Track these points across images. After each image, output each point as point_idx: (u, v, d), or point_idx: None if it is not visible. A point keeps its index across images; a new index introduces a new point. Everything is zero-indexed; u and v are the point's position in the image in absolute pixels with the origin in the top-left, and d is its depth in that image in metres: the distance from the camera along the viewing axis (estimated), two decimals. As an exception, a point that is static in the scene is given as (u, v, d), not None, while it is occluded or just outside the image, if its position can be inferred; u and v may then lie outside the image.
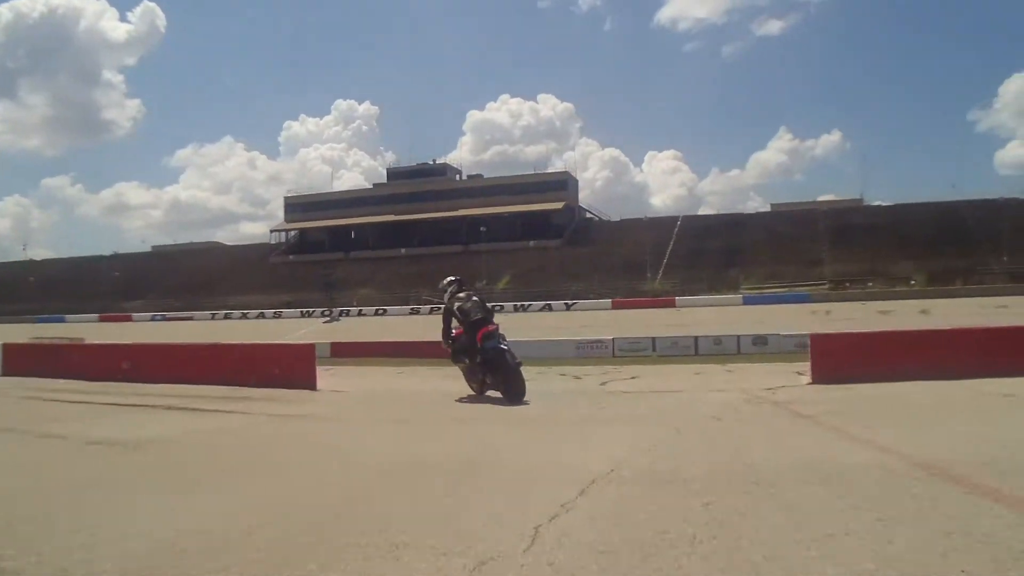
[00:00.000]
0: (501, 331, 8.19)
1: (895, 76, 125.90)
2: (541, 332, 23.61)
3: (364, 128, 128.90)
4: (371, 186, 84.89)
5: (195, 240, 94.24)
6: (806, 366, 9.15)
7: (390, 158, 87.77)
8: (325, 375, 11.04)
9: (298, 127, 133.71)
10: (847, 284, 51.63)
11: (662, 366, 14.58)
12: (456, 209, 72.81)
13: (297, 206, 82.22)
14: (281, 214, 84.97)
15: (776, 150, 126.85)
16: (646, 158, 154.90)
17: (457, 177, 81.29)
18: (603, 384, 10.40)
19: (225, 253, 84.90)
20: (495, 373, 8.03)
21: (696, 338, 19.25)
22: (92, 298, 68.10)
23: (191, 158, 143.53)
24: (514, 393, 7.79)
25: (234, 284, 69.22)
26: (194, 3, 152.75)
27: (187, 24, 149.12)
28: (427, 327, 34.89)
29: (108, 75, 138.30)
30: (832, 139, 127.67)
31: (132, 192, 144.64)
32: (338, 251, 74.80)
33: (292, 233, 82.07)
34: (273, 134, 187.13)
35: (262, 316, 55.82)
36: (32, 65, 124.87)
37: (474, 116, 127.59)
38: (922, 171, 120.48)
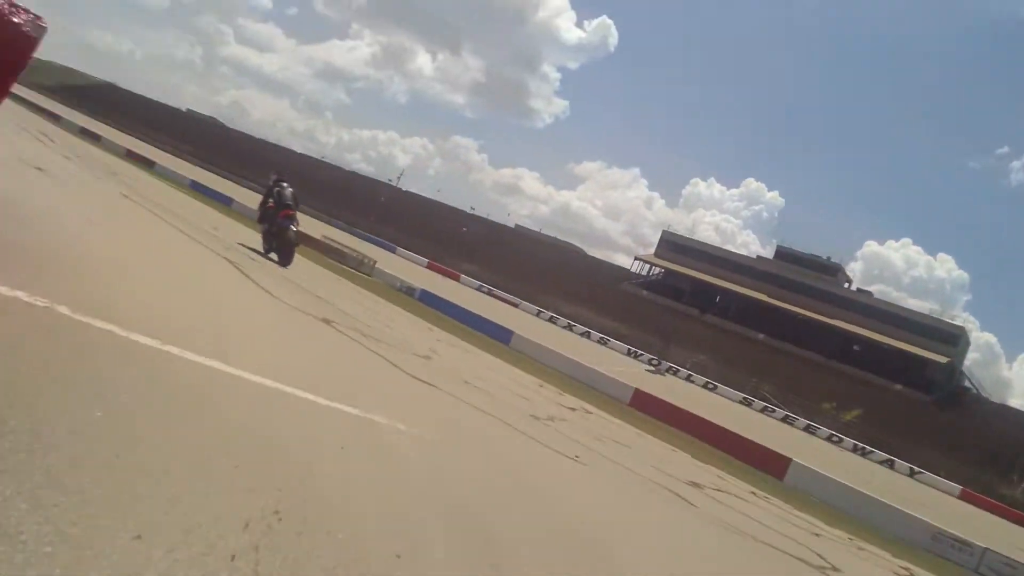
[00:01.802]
0: (298, 219, 11.71)
1: None
2: (877, 490, 18.13)
3: (764, 215, 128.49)
4: (755, 256, 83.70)
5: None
6: None
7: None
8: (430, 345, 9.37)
9: (704, 188, 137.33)
10: None
11: None
12: (834, 317, 69.78)
13: (672, 245, 79.94)
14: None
15: None
16: (1019, 358, 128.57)
17: (845, 285, 77.31)
18: None
19: (580, 259, 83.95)
20: (279, 240, 11.37)
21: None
22: (434, 247, 69.09)
23: (595, 173, 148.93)
24: (285, 259, 11.22)
25: (574, 293, 66.40)
26: (643, 33, 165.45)
27: (636, 49, 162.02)
28: (748, 423, 27.40)
29: (547, 69, 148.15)
30: None
31: (530, 181, 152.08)
32: (695, 307, 72.14)
33: (656, 271, 79.91)
34: (679, 185, 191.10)
35: (588, 335, 54.68)
36: (481, 30, 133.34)
37: (871, 246, 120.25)
38: None
